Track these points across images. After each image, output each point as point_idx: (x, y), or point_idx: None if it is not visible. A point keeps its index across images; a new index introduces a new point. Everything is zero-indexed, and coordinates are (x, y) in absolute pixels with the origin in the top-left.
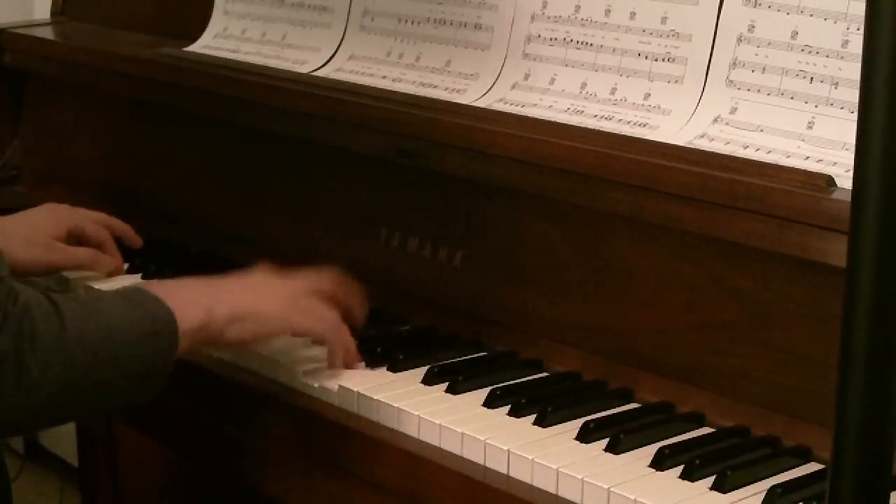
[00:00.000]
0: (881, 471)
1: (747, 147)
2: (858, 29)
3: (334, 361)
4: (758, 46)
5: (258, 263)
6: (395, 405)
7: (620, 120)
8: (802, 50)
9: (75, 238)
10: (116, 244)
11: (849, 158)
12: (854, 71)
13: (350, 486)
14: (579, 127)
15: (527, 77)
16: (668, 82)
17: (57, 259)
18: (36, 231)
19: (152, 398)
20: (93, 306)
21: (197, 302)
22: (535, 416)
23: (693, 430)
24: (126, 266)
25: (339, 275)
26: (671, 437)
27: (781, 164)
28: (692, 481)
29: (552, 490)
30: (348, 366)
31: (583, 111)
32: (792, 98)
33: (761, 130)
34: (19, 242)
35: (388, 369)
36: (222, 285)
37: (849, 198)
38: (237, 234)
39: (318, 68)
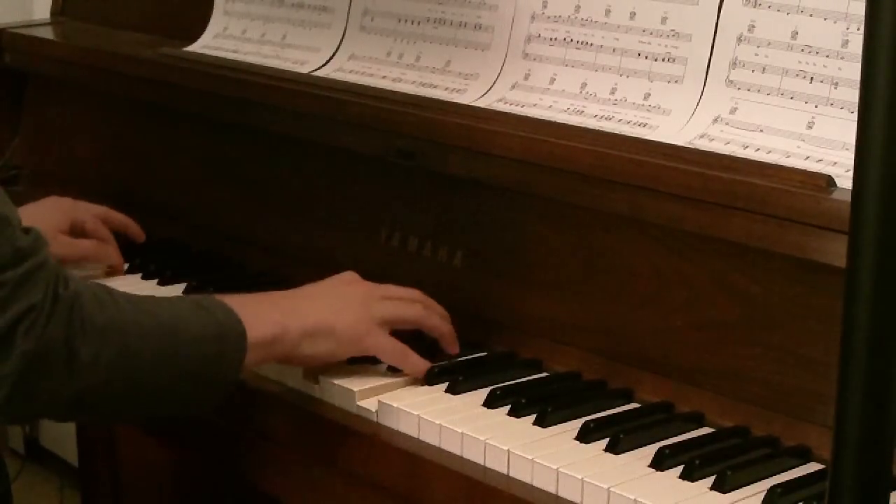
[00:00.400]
0: (881, 471)
1: (747, 147)
2: (858, 29)
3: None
4: (758, 46)
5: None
6: (395, 405)
7: (620, 120)
8: (802, 50)
9: (79, 232)
10: (117, 242)
11: (849, 158)
12: (854, 71)
13: (350, 486)
14: (579, 127)
15: (527, 77)
16: (668, 82)
17: (62, 252)
18: (40, 224)
19: (215, 407)
20: (153, 300)
21: (268, 315)
22: (535, 416)
23: (693, 430)
24: (126, 266)
25: (424, 298)
26: (671, 437)
27: (781, 164)
28: (692, 481)
29: (552, 490)
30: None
31: (583, 111)
32: (792, 98)
33: (761, 130)
34: None
35: (388, 369)
36: (297, 299)
37: (849, 198)
38: (237, 234)
39: (318, 68)
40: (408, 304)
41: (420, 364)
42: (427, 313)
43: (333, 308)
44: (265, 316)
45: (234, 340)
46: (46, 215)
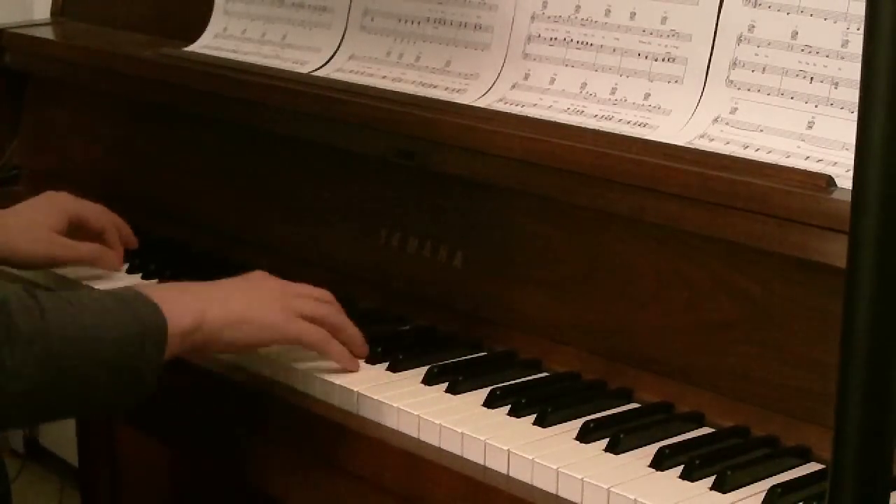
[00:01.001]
0: (881, 471)
1: (747, 147)
2: (858, 29)
3: (340, 364)
4: (758, 46)
5: (254, 269)
6: (395, 405)
7: (620, 120)
8: (802, 50)
9: (76, 227)
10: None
11: (849, 158)
12: (854, 71)
13: (350, 486)
14: (579, 127)
15: (527, 77)
16: (668, 82)
17: (58, 253)
18: (37, 223)
19: (143, 400)
20: (77, 303)
21: (189, 305)
22: (534, 416)
23: (693, 430)
24: (125, 266)
25: (330, 296)
26: (671, 437)
27: (781, 164)
28: (692, 481)
29: (552, 490)
30: (352, 363)
31: (583, 111)
32: (792, 98)
33: (761, 130)
34: (20, 235)
35: (388, 369)
36: (216, 289)
37: (849, 198)
38: (237, 234)
39: (318, 68)
40: (320, 303)
41: (344, 350)
42: (334, 311)
43: (254, 298)
44: (186, 305)
45: (155, 335)
46: (43, 213)
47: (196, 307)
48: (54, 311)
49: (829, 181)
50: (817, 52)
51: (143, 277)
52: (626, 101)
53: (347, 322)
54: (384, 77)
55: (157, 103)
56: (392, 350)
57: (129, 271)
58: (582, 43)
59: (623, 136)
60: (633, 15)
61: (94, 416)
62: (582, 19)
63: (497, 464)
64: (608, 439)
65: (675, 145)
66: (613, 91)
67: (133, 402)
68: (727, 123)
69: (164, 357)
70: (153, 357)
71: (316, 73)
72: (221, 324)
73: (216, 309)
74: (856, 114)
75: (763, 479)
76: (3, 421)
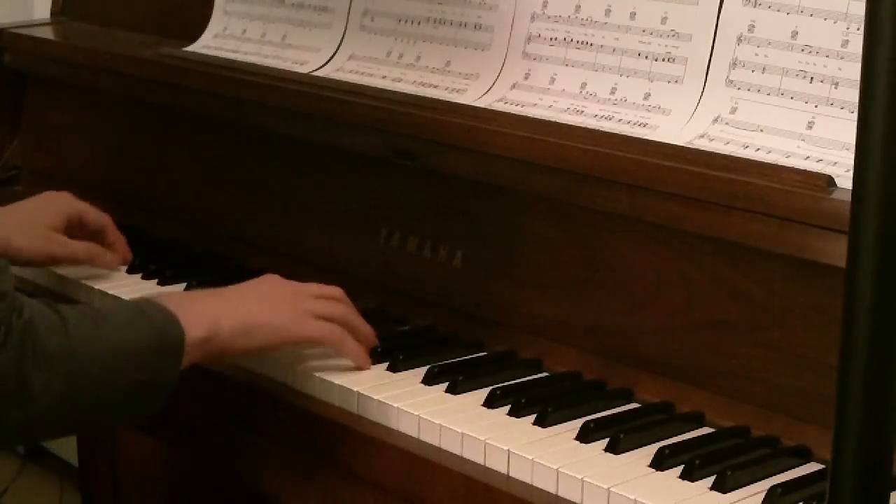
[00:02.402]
0: (881, 471)
1: (747, 147)
2: (858, 29)
3: (355, 362)
4: (758, 46)
5: (254, 269)
6: (395, 405)
7: (620, 120)
8: (802, 50)
9: (76, 227)
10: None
11: (849, 158)
12: (854, 71)
13: (350, 486)
14: (579, 127)
15: (527, 77)
16: (668, 82)
17: (56, 251)
18: (35, 222)
19: (156, 412)
20: (100, 319)
21: (203, 314)
22: (535, 416)
23: (693, 430)
24: (124, 267)
25: (341, 293)
26: (671, 437)
27: (781, 164)
28: (692, 481)
29: (552, 490)
30: (366, 361)
31: (583, 111)
32: (792, 98)
33: (761, 130)
34: (18, 233)
35: (388, 369)
36: (229, 297)
37: (849, 198)
38: (237, 234)
39: (318, 68)
40: (333, 302)
41: (358, 346)
42: (349, 310)
43: (267, 302)
44: (200, 315)
45: (173, 346)
46: (41, 212)
47: (210, 316)
48: (77, 327)
49: (829, 181)
50: (817, 52)
51: (143, 277)
52: (626, 101)
53: (360, 320)
54: (384, 77)
55: (157, 103)
56: (392, 350)
57: (129, 271)
58: (582, 43)
59: (623, 136)
60: (633, 15)
61: (110, 426)
62: (582, 19)
63: (497, 464)
64: (608, 439)
65: (675, 145)
66: (613, 91)
67: (147, 413)
68: (727, 123)
69: (180, 368)
70: (170, 369)
71: (316, 73)
72: (237, 331)
73: (230, 317)
74: (856, 114)
75: (763, 479)
76: (26, 437)
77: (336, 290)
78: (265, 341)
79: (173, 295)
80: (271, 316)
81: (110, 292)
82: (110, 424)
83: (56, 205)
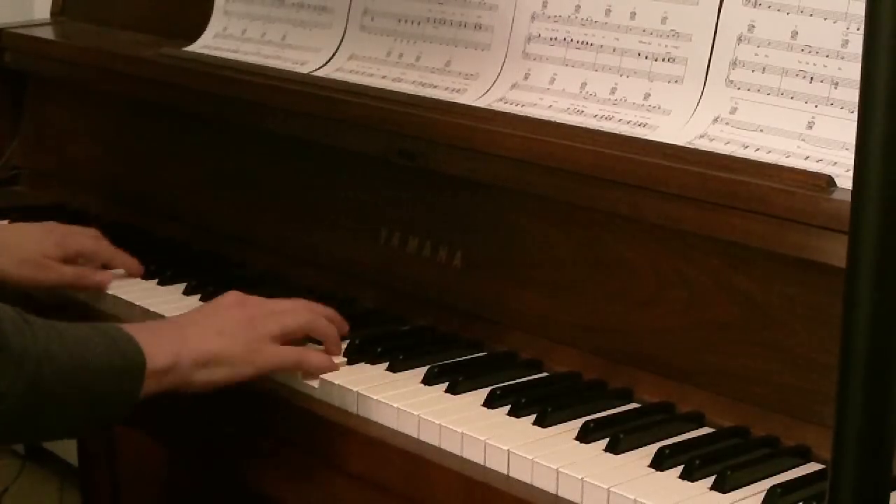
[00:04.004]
0: (881, 471)
1: (747, 147)
2: (858, 29)
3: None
4: (758, 46)
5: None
6: (395, 405)
7: (620, 120)
8: (802, 50)
9: (74, 257)
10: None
11: (849, 158)
12: (854, 71)
13: (350, 486)
14: (579, 127)
15: (527, 77)
16: (668, 82)
17: (45, 278)
18: (29, 248)
19: (106, 430)
20: (67, 332)
21: (164, 347)
22: (535, 416)
23: (693, 430)
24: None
25: (309, 305)
26: (671, 437)
27: (781, 164)
28: (692, 481)
29: (552, 490)
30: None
31: (583, 111)
32: (792, 98)
33: (761, 130)
34: (11, 258)
35: (387, 369)
36: (190, 327)
37: (849, 198)
38: (237, 234)
39: (318, 68)
40: (293, 314)
41: (320, 357)
42: (312, 317)
43: (223, 334)
44: (161, 347)
45: (135, 375)
46: (36, 239)
47: (170, 349)
48: (45, 337)
49: (829, 181)
50: (817, 52)
51: (143, 277)
52: (626, 101)
53: (325, 324)
54: (384, 77)
55: (157, 103)
56: (392, 350)
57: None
58: (582, 43)
59: (623, 136)
60: (633, 15)
61: (58, 439)
62: (582, 19)
63: (497, 464)
64: (608, 439)
65: (675, 145)
66: (613, 91)
67: (98, 429)
68: (727, 123)
69: (139, 395)
70: (130, 392)
71: (316, 73)
72: (198, 363)
73: (189, 350)
74: (856, 114)
75: (763, 479)
76: None
77: (298, 302)
78: (224, 374)
79: (134, 325)
80: (229, 346)
81: (110, 292)
82: (59, 436)
83: (53, 237)
